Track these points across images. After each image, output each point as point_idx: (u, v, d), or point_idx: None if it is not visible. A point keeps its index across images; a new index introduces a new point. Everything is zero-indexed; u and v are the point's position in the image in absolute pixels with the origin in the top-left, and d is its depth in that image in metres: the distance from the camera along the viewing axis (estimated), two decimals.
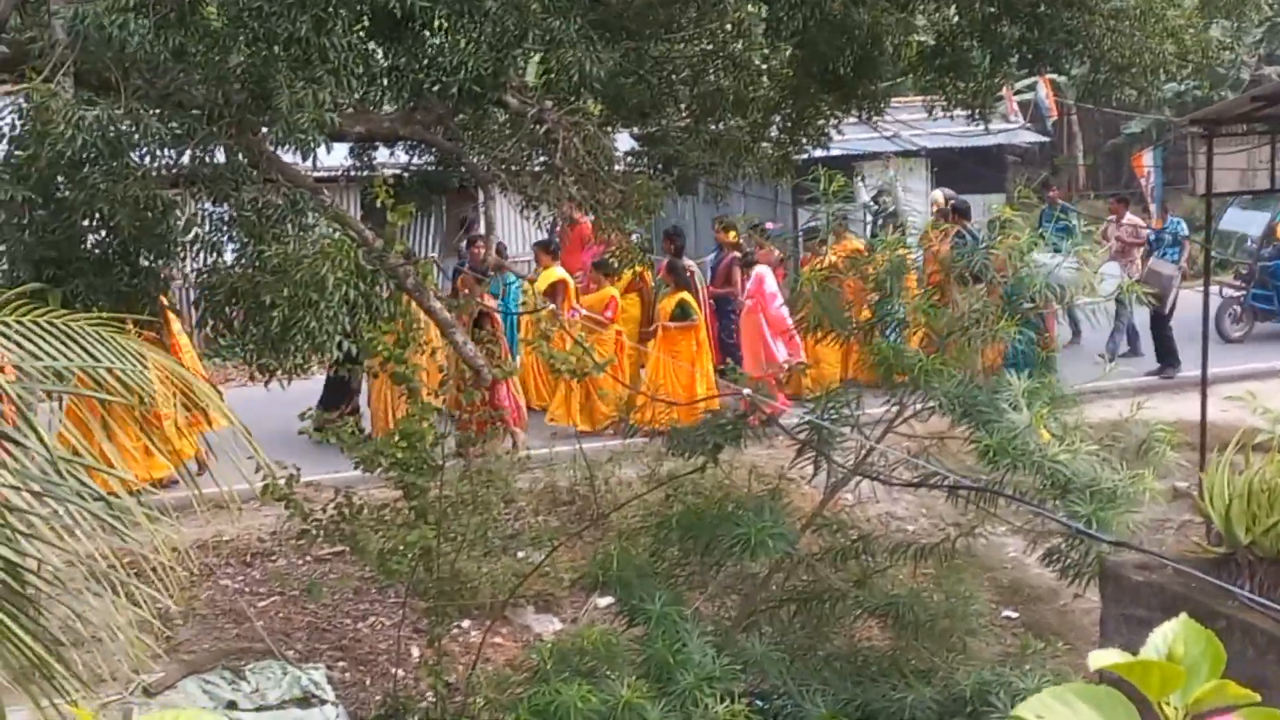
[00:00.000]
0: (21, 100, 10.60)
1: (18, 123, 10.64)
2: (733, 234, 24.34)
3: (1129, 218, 27.50)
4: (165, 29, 10.44)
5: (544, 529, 18.04)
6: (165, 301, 12.32)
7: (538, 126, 12.75)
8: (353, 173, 16.84)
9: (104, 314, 9.06)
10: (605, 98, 14.83)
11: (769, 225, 19.01)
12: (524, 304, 23.35)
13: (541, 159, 13.97)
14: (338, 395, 21.91)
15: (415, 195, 15.79)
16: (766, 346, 22.67)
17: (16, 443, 7.06)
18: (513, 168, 14.29)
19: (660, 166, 16.33)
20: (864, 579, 13.21)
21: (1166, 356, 25.28)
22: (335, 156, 16.89)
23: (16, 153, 10.57)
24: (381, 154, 16.46)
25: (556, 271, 23.23)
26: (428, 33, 11.46)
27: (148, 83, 10.94)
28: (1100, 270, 12.40)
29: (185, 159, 11.44)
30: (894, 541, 13.83)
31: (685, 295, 22.69)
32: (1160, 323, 25.22)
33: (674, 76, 15.37)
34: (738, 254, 24.40)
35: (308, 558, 18.05)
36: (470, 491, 14.85)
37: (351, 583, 17.55)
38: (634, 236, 18.91)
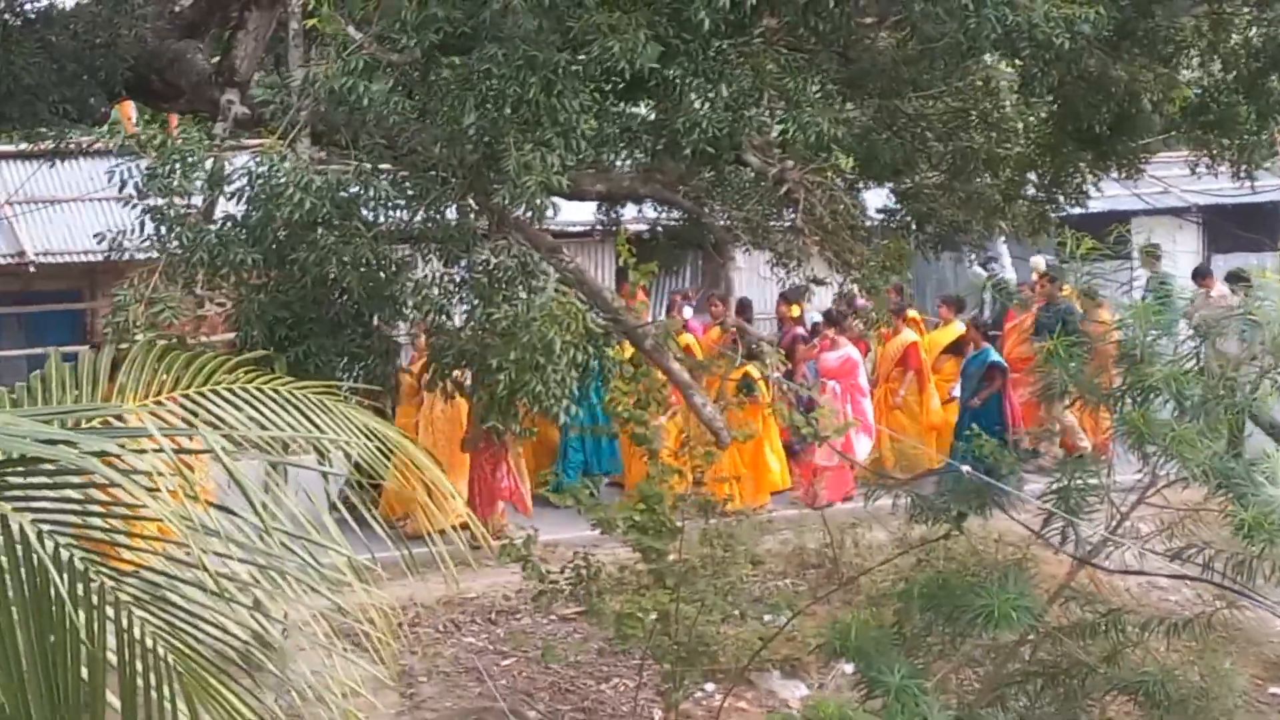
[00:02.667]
0: (253, 162, 10.69)
1: (252, 184, 10.73)
2: (795, 309, 23.58)
3: None
4: (402, 89, 10.46)
5: (790, 592, 17.79)
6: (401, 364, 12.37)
7: (778, 186, 12.53)
8: (599, 228, 16.78)
9: (333, 379, 9.07)
10: (856, 155, 14.58)
11: (859, 301, 18.54)
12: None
13: (788, 218, 13.76)
14: None
15: (662, 253, 15.68)
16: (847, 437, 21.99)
17: (234, 514, 7.00)
18: (758, 227, 14.12)
19: (914, 224, 16.02)
20: (1115, 654, 12.73)
21: None
22: (586, 213, 16.89)
23: (251, 213, 10.66)
24: (631, 209, 16.36)
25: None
26: (661, 93, 11.31)
27: (382, 143, 10.95)
28: None
29: (418, 219, 11.45)
30: (1150, 614, 13.34)
31: (749, 368, 21.92)
32: None
33: (927, 133, 15.04)
34: (801, 329, 23.71)
35: (552, 616, 17.98)
36: (711, 555, 14.70)
37: (595, 643, 17.43)
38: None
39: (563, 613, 17.74)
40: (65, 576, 6.18)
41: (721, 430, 13.60)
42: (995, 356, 22.92)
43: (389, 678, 10.67)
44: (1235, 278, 23.49)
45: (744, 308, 22.83)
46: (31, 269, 23.89)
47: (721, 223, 14.11)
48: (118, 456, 6.39)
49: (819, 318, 23.82)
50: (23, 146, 20.25)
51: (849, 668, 15.01)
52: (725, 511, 15.55)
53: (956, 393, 23.55)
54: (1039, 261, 25.42)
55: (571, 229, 20.78)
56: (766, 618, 17.08)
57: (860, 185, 15.84)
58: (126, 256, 11.47)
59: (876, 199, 16.66)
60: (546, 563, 15.25)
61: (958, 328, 24.37)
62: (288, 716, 6.76)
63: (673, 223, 15.80)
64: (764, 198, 13.42)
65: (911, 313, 24.57)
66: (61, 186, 23.27)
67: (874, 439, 22.49)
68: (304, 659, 6.99)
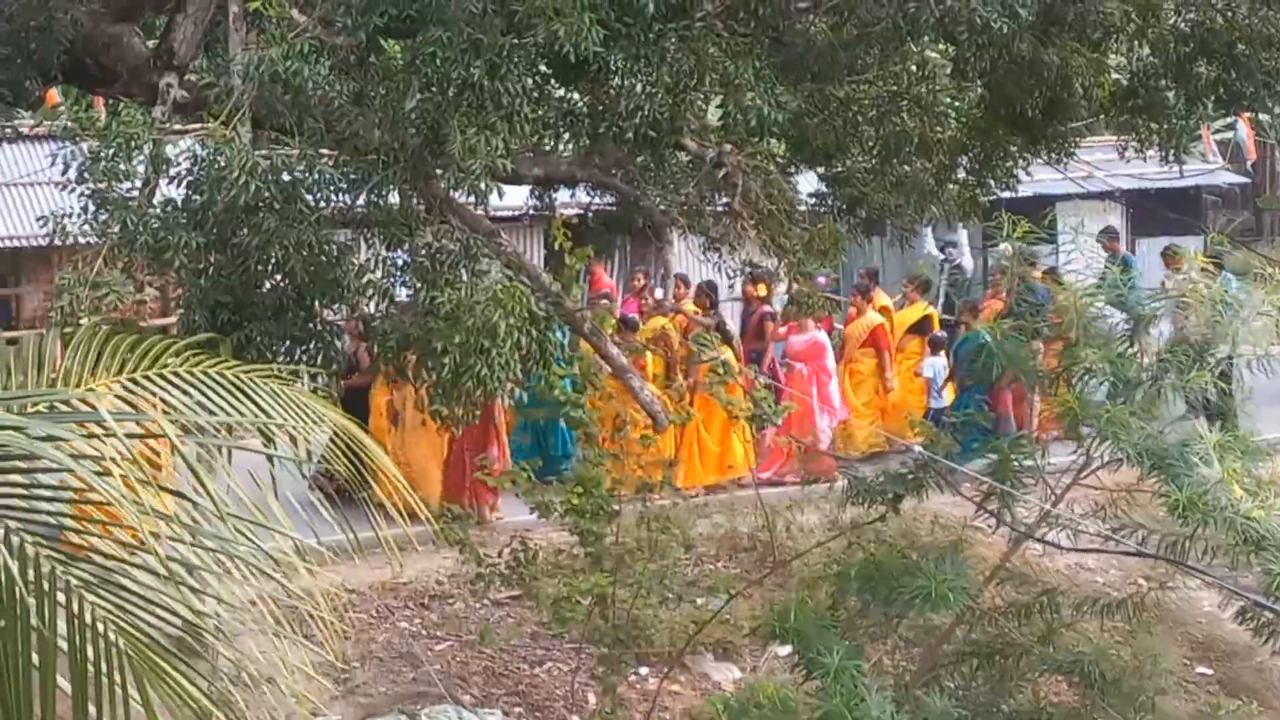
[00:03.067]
0: (197, 145, 10.63)
1: (195, 167, 10.67)
2: (762, 287, 23.58)
3: None
4: (343, 73, 10.44)
5: (724, 576, 17.83)
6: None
7: (716, 170, 12.56)
8: (533, 213, 16.73)
9: (276, 362, 9.04)
10: (789, 139, 14.63)
11: (820, 279, 18.53)
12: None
13: (723, 202, 13.78)
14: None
15: (596, 237, 15.67)
16: (812, 415, 22.08)
17: (184, 497, 6.99)
18: (693, 210, 14.14)
19: (845, 208, 16.06)
20: (1049, 634, 12.85)
21: None
22: (517, 197, 16.84)
23: (194, 196, 10.60)
24: (564, 194, 16.33)
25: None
26: (603, 77, 11.32)
27: (324, 126, 10.91)
28: None
29: (360, 203, 11.41)
30: (1081, 595, 13.46)
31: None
32: None
33: (859, 117, 15.09)
34: (768, 308, 23.72)
35: (486, 601, 17.94)
36: (647, 538, 14.73)
37: (529, 627, 17.42)
38: (820, 279, 18.66)
39: (497, 597, 17.71)
40: (15, 561, 6.17)
41: (659, 414, 13.65)
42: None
43: (327, 663, 10.69)
44: (1167, 257, 23.58)
45: (709, 291, 22.82)
46: None
47: (658, 207, 14.09)
48: (67, 441, 6.39)
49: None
50: None
51: (783, 650, 15.12)
52: (657, 495, 15.53)
53: (925, 372, 23.53)
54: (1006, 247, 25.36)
55: (503, 213, 20.76)
56: (700, 601, 17.14)
57: (792, 169, 15.88)
58: (70, 241, 11.39)
59: (808, 183, 16.70)
60: (484, 546, 15.24)
61: (923, 307, 24.45)
62: (230, 700, 6.77)
63: (606, 207, 15.78)
64: (701, 182, 13.43)
65: (882, 297, 24.53)
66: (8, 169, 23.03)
67: (836, 420, 22.52)
68: (243, 644, 7.01)
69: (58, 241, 11.38)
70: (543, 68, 10.76)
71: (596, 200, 15.89)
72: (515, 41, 10.35)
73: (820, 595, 13.15)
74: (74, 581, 6.35)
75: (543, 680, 16.96)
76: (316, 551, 8.11)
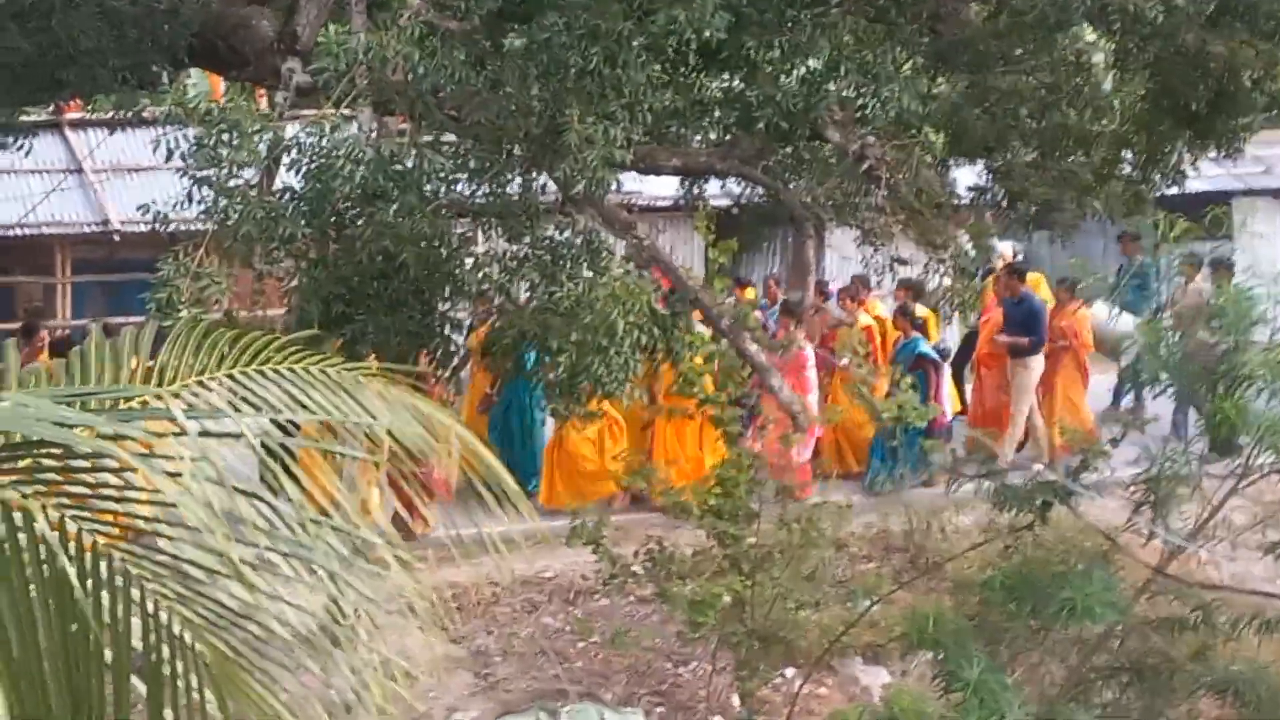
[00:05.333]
0: (310, 133, 10.41)
1: (308, 155, 10.45)
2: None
3: None
4: (463, 59, 10.16)
5: (874, 577, 17.43)
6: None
7: (859, 163, 12.13)
8: (683, 203, 16.42)
9: (390, 358, 8.79)
10: (946, 130, 14.19)
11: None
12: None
13: (871, 196, 13.38)
14: None
15: (746, 229, 15.33)
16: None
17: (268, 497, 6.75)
18: (842, 204, 13.75)
19: (1006, 203, 15.57)
20: (1203, 650, 12.31)
21: None
22: (673, 185, 16.54)
23: (309, 184, 10.38)
24: (717, 184, 15.97)
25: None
26: (732, 65, 10.96)
27: (441, 113, 10.64)
28: None
29: (479, 193, 11.14)
30: (1241, 609, 12.90)
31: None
32: None
33: (1019, 109, 14.60)
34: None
35: (630, 598, 17.69)
36: (788, 540, 14.39)
37: (674, 626, 17.13)
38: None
39: (642, 594, 17.45)
40: (91, 563, 5.97)
41: (800, 414, 13.29)
42: (924, 347, 21.88)
43: (468, 657, 10.45)
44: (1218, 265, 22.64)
45: (819, 289, 22.21)
46: (116, 237, 23.85)
47: (804, 199, 13.70)
48: (137, 440, 6.15)
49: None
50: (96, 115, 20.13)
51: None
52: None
53: None
54: (1005, 249, 24.34)
55: (659, 204, 20.48)
56: (849, 603, 16.77)
57: (950, 162, 15.42)
58: (187, 227, 11.25)
59: (967, 176, 16.21)
60: (619, 545, 14.99)
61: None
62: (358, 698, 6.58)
63: (757, 199, 15.40)
64: (847, 174, 13.02)
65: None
66: (146, 154, 23.14)
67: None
68: (384, 638, 6.81)
69: (177, 229, 11.25)
70: (668, 54, 10.37)
71: (748, 192, 15.54)
72: (636, 27, 10.00)
73: (969, 601, 12.73)
74: (148, 582, 6.11)
75: (685, 680, 16.72)
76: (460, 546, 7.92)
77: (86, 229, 24.56)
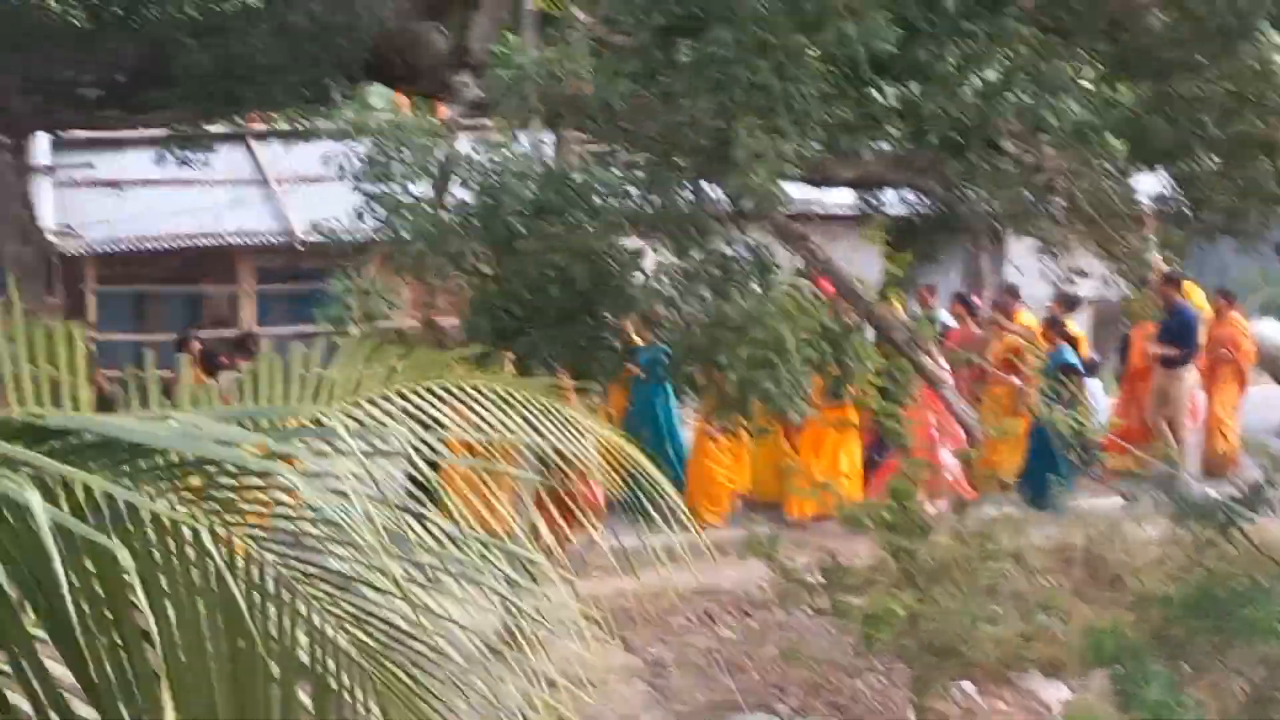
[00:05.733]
0: (474, 149, 10.48)
1: (478, 171, 10.53)
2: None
3: None
4: (630, 73, 10.17)
5: (1052, 590, 17.18)
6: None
7: (1037, 174, 11.95)
8: (859, 213, 16.29)
9: (559, 371, 8.79)
10: (1128, 138, 13.95)
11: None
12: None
13: (1055, 203, 13.19)
14: None
15: (921, 238, 15.16)
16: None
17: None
18: (1020, 214, 13.56)
19: (1190, 212, 15.27)
20: None
21: None
22: (849, 192, 16.41)
23: (479, 199, 10.45)
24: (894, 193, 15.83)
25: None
26: (904, 78, 10.83)
27: (610, 127, 10.66)
28: None
29: (649, 206, 11.13)
30: None
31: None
32: None
33: (1202, 117, 14.32)
34: None
35: (805, 609, 17.58)
36: (963, 553, 14.23)
37: (849, 638, 17.01)
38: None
39: (818, 605, 17.35)
40: (259, 580, 6.02)
41: (975, 427, 13.15)
42: (1071, 358, 21.31)
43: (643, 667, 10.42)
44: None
45: (1011, 292, 21.96)
46: (299, 246, 24.16)
47: (980, 210, 13.52)
48: (300, 459, 6.21)
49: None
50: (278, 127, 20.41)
51: None
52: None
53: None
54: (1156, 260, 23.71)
55: (836, 211, 20.33)
56: (1026, 617, 16.55)
57: (1131, 169, 15.15)
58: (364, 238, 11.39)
59: (1151, 184, 15.92)
60: (792, 558, 14.91)
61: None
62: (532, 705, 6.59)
63: (932, 209, 15.24)
64: (1024, 184, 12.84)
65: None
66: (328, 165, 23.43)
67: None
68: (560, 647, 6.83)
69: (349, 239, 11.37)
70: (839, 68, 10.28)
71: (924, 202, 15.39)
72: (805, 41, 9.92)
73: (1151, 617, 12.51)
74: (316, 599, 6.16)
75: (863, 693, 16.58)
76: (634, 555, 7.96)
77: (270, 239, 24.93)
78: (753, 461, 20.07)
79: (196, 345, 19.61)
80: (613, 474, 8.33)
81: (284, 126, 24.36)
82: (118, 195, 25.53)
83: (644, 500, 8.51)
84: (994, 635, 15.68)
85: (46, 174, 25.01)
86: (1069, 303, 21.93)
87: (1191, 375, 21.57)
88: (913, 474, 13.81)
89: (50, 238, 22.99)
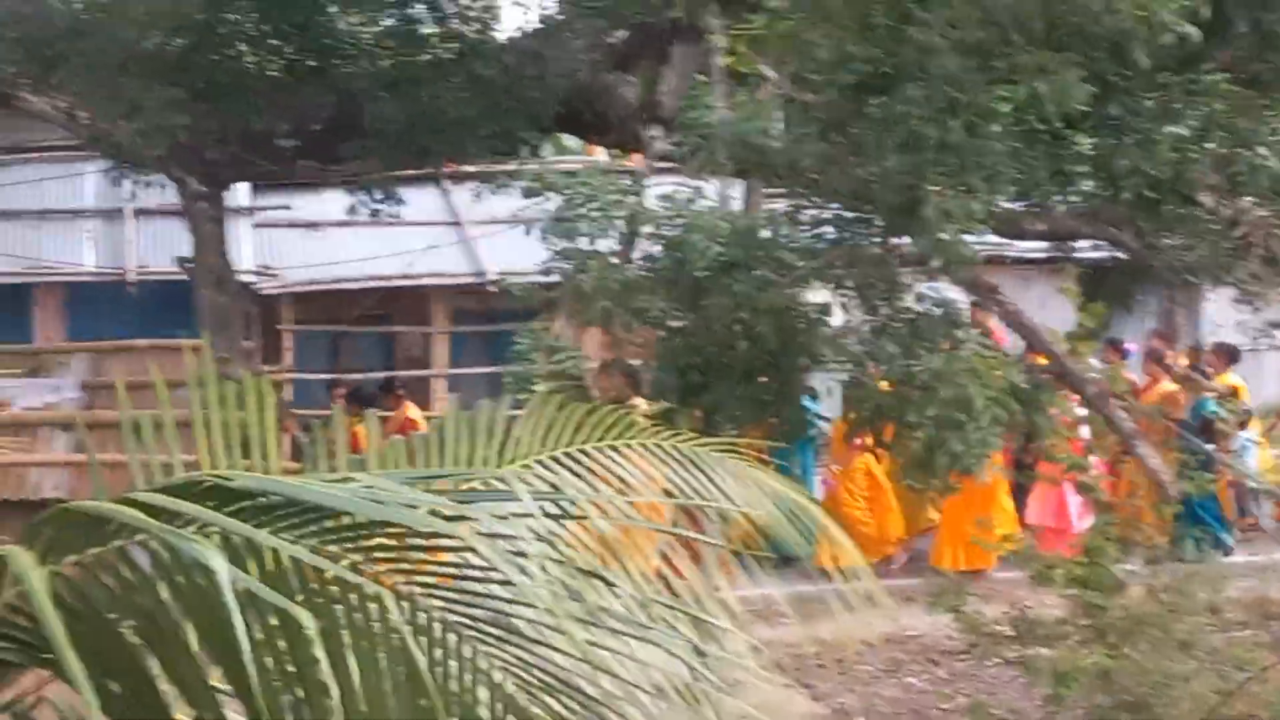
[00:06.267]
0: (661, 205, 10.48)
1: (670, 226, 10.55)
2: None
3: None
4: (819, 131, 10.14)
5: (1250, 644, 16.79)
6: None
7: (1232, 228, 11.74)
8: (1052, 258, 16.12)
9: (743, 428, 8.75)
10: None
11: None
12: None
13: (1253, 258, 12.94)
14: None
15: (1114, 288, 14.96)
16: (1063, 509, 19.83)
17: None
18: (1216, 266, 13.32)
19: None
20: None
21: None
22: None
23: (668, 254, 10.46)
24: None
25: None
26: (1097, 133, 10.68)
27: (797, 183, 10.63)
28: None
29: (836, 263, 11.07)
30: None
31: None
32: None
33: None
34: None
35: (995, 660, 17.34)
36: (1157, 611, 13.95)
37: (1039, 691, 16.74)
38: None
39: (1008, 655, 17.09)
40: (440, 639, 6.07)
41: (1168, 483, 12.90)
42: (1215, 408, 20.61)
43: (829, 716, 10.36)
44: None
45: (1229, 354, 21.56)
46: (491, 289, 24.37)
47: (1175, 262, 13.30)
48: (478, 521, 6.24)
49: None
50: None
51: None
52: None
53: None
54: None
55: (1030, 255, 20.12)
56: (1223, 674, 16.18)
57: None
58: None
59: None
60: (981, 612, 14.70)
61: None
62: None
63: (1124, 257, 15.02)
64: (1221, 237, 12.61)
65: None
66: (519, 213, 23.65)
67: None
68: (747, 693, 6.82)
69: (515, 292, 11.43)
70: (1029, 124, 10.15)
71: (1116, 251, 15.17)
72: (996, 99, 9.82)
73: None
74: (496, 661, 6.20)
75: None
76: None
77: (463, 280, 25.20)
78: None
79: (343, 389, 20.03)
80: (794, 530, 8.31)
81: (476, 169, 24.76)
82: (315, 236, 25.97)
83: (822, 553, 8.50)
84: (1190, 693, 15.36)
85: (245, 215, 25.51)
86: (1230, 354, 21.55)
87: None
88: (1105, 530, 13.57)
89: (248, 277, 23.43)
